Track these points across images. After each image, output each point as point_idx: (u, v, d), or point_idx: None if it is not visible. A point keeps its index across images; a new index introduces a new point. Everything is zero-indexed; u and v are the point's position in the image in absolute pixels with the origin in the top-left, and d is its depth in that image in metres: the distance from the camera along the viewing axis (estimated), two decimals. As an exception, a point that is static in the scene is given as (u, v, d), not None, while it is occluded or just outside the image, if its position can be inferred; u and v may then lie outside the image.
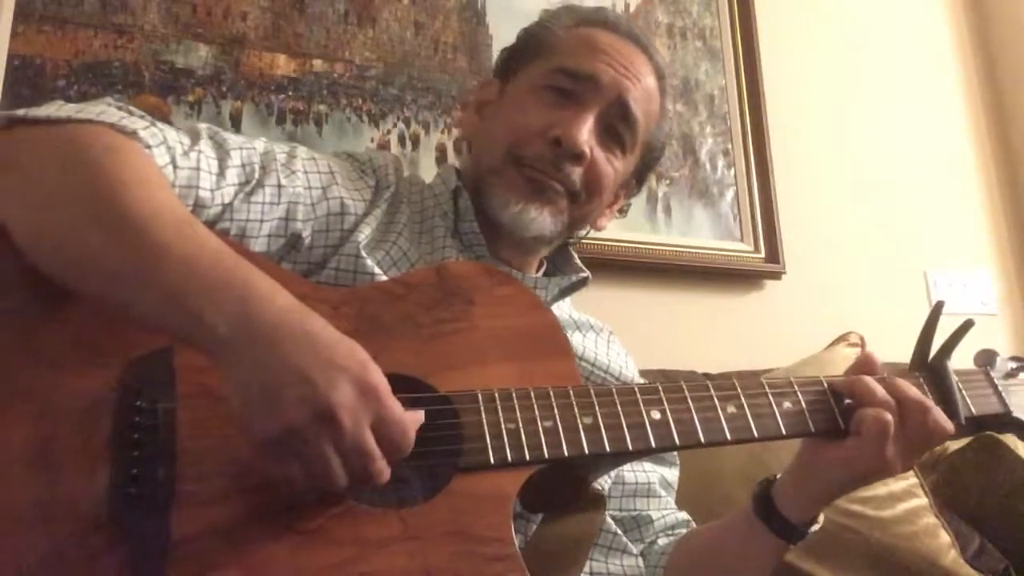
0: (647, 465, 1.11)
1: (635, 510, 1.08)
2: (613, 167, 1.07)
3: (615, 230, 1.96)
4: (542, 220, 1.04)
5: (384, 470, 0.71)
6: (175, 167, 0.86)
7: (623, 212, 1.25)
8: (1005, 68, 2.63)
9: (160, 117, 1.64)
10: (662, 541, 1.07)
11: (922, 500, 1.61)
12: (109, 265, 0.72)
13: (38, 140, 0.78)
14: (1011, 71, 2.61)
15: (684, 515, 1.11)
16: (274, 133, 1.71)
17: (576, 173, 1.04)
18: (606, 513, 0.99)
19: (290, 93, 1.75)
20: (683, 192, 2.09)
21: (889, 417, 0.87)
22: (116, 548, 0.68)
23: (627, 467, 1.09)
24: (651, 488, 1.10)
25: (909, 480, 1.62)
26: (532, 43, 1.11)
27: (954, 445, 1.79)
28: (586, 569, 0.97)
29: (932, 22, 2.62)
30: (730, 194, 2.14)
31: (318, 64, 1.79)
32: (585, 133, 1.02)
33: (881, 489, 1.58)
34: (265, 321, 0.69)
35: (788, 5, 2.37)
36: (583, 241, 1.87)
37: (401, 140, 1.81)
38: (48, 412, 0.72)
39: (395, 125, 1.81)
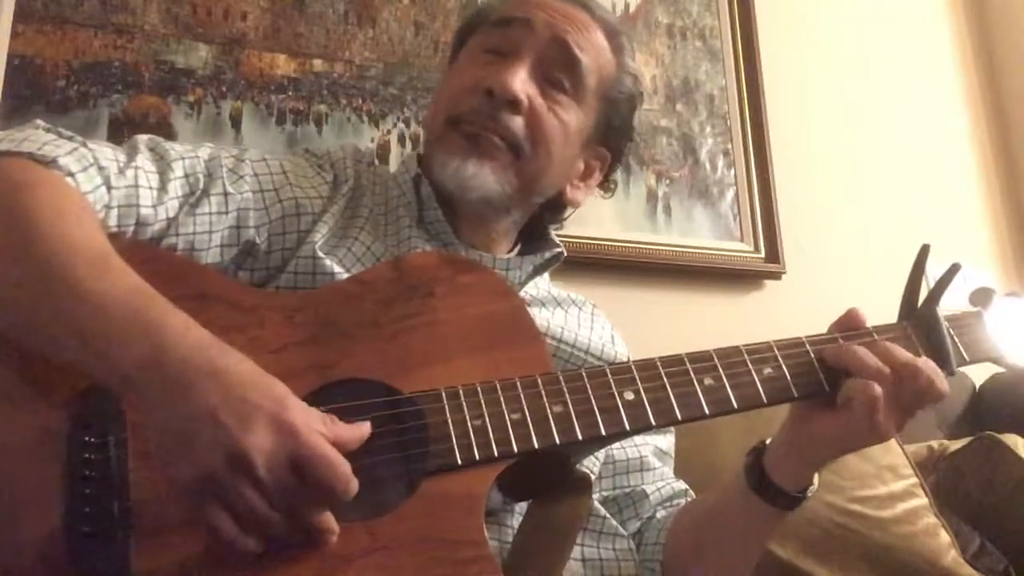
0: (636, 439, 1.07)
1: (628, 486, 1.06)
2: (559, 117, 1.01)
3: (615, 230, 1.97)
4: (483, 176, 0.99)
5: (314, 505, 0.68)
6: (110, 188, 0.84)
7: (609, 190, 1.19)
8: (1005, 68, 2.62)
9: (160, 117, 1.65)
10: (661, 514, 1.04)
11: (922, 500, 1.60)
12: (23, 307, 0.71)
13: None
14: (1011, 71, 2.61)
15: (682, 485, 1.09)
16: (274, 133, 1.71)
17: (515, 123, 0.99)
18: (593, 498, 0.96)
19: (290, 93, 1.75)
20: (683, 192, 2.09)
21: (878, 390, 0.83)
22: None
23: (615, 444, 1.06)
24: (644, 462, 1.07)
25: (909, 480, 1.62)
26: (474, 19, 1.10)
27: (954, 445, 1.79)
28: (578, 555, 0.96)
29: (932, 23, 2.62)
30: (730, 194, 2.14)
31: (318, 64, 1.79)
32: (517, 80, 0.98)
33: (881, 489, 1.58)
34: (175, 362, 0.67)
35: (788, 5, 2.37)
36: (582, 241, 1.87)
37: (401, 140, 1.81)
38: (1, 451, 0.70)
39: (395, 125, 1.81)
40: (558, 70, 1.02)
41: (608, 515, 1.02)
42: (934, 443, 1.82)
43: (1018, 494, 1.67)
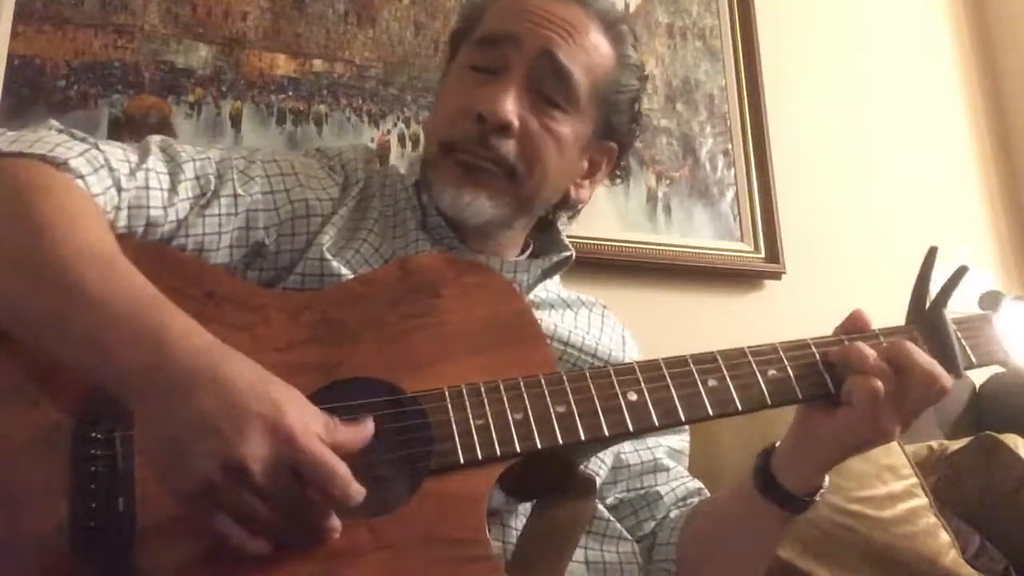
0: (649, 441, 1.07)
1: (643, 488, 1.06)
2: (552, 133, 0.99)
3: (615, 230, 1.97)
4: (479, 204, 0.98)
5: (316, 509, 0.68)
6: (120, 190, 0.84)
7: (619, 179, 1.17)
8: (1006, 69, 2.62)
9: (160, 117, 1.65)
10: (674, 514, 1.04)
11: (922, 500, 1.60)
12: (30, 309, 0.72)
13: None
14: (1011, 71, 2.61)
15: (696, 483, 1.08)
16: (274, 133, 1.71)
17: (507, 147, 0.97)
18: (596, 500, 0.96)
19: (290, 93, 1.74)
20: (683, 192, 2.09)
21: (880, 384, 0.83)
22: None
23: (627, 447, 1.06)
24: (657, 463, 1.07)
25: (909, 480, 1.62)
26: (465, 22, 1.07)
27: (954, 445, 1.79)
28: (581, 557, 0.96)
29: (932, 22, 2.62)
30: (730, 194, 2.14)
31: (318, 64, 1.79)
32: (507, 103, 0.95)
33: (881, 489, 1.58)
34: (177, 369, 0.67)
35: (788, 5, 2.37)
36: (582, 241, 1.87)
37: (401, 140, 1.80)
38: (6, 449, 0.70)
39: (395, 125, 1.81)
40: (549, 85, 0.99)
41: (612, 518, 1.02)
42: (934, 443, 1.82)
43: (1018, 494, 1.67)
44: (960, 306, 0.98)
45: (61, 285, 0.71)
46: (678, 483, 1.08)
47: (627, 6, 2.15)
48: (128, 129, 1.59)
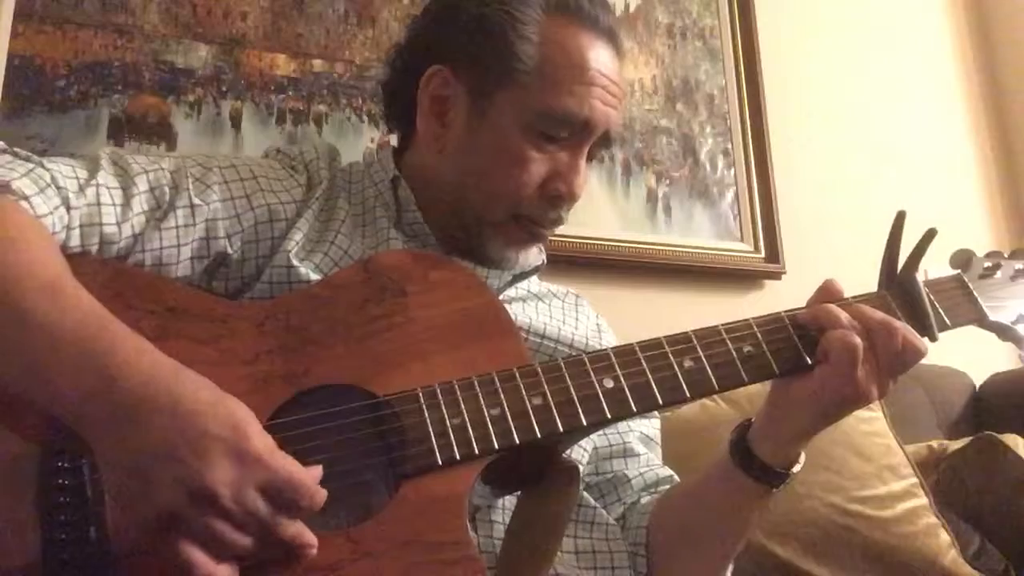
0: (620, 425, 1.06)
1: (611, 472, 1.05)
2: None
3: (615, 230, 1.97)
4: (531, 255, 1.04)
5: (286, 525, 0.67)
6: (69, 208, 0.81)
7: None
8: (1006, 68, 2.62)
9: (160, 117, 1.64)
10: (645, 499, 1.03)
11: (922, 500, 1.60)
12: None
13: None
14: (1011, 71, 2.61)
15: (667, 471, 1.07)
16: (274, 133, 1.71)
17: (567, 211, 1.02)
18: (579, 487, 0.94)
19: (290, 93, 1.75)
20: (683, 192, 2.09)
21: (856, 339, 0.83)
22: None
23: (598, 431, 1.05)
24: (627, 448, 1.06)
25: (909, 480, 1.62)
26: (499, 46, 0.97)
27: (954, 445, 1.79)
28: (571, 547, 0.95)
29: (932, 23, 2.62)
30: (730, 194, 2.14)
31: (318, 64, 1.79)
32: (583, 179, 0.99)
33: (881, 489, 1.58)
34: (126, 394, 0.65)
35: (788, 5, 2.37)
36: (582, 241, 1.87)
37: (401, 140, 1.80)
38: None
39: (395, 125, 1.81)
40: (598, 148, 1.03)
41: (598, 505, 1.01)
42: (934, 443, 1.82)
43: (1018, 494, 1.67)
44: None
45: (2, 313, 0.68)
46: (648, 469, 1.06)
47: (627, 6, 2.15)
48: (128, 129, 1.60)
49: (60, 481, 0.68)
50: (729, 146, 2.17)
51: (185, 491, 0.63)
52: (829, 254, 2.18)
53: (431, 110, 1.00)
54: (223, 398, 0.67)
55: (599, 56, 0.98)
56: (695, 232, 2.07)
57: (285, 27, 1.78)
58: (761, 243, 2.11)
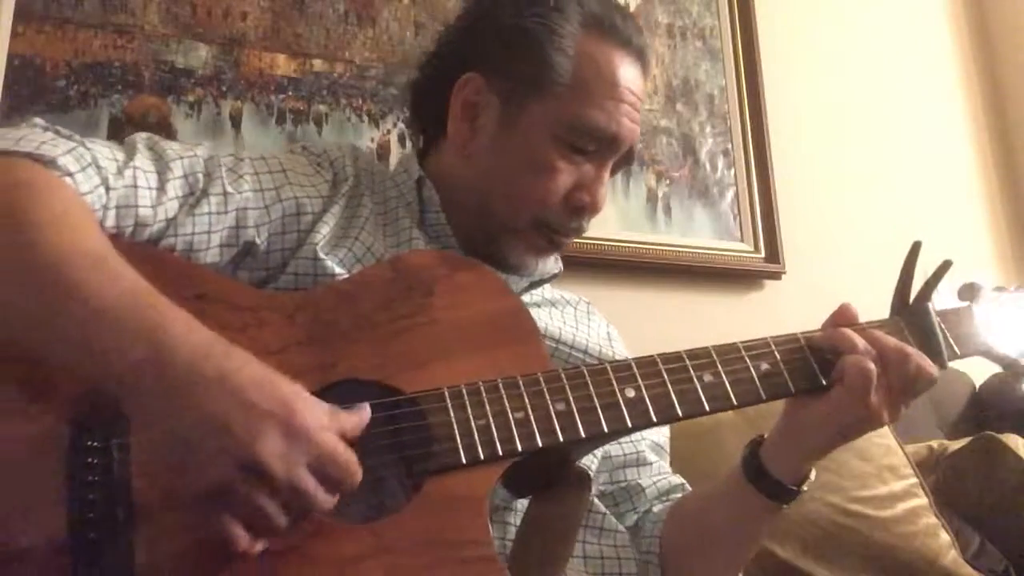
0: (633, 434, 1.07)
1: (625, 481, 1.06)
2: None
3: (615, 230, 1.97)
4: (548, 263, 1.07)
5: (326, 502, 0.68)
6: (108, 188, 0.82)
7: None
8: (1006, 69, 2.62)
9: (160, 117, 1.64)
10: (657, 508, 1.05)
11: (922, 500, 1.60)
12: (19, 311, 0.70)
13: None
14: (1011, 72, 2.61)
15: (678, 479, 1.09)
16: (274, 133, 1.71)
17: (587, 220, 1.05)
18: (591, 493, 0.97)
19: (290, 93, 1.75)
20: (683, 192, 2.09)
21: (871, 365, 0.85)
22: None
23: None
24: (640, 457, 1.08)
25: (909, 480, 1.62)
26: (536, 57, 0.99)
27: (954, 445, 1.79)
28: (579, 552, 0.96)
29: (932, 23, 2.62)
30: (730, 194, 2.14)
31: (318, 64, 1.79)
32: (606, 191, 1.03)
33: (881, 489, 1.58)
34: (177, 366, 0.66)
35: (788, 5, 2.37)
36: (582, 241, 1.87)
37: (401, 140, 1.80)
38: (3, 457, 0.69)
39: (395, 125, 1.81)
40: (620, 163, 1.06)
41: (607, 512, 1.03)
42: (934, 443, 1.82)
43: (1018, 494, 1.67)
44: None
45: (51, 283, 0.69)
46: (660, 478, 1.08)
47: (627, 6, 2.15)
48: (128, 129, 1.59)
49: (89, 460, 0.68)
50: (729, 146, 2.17)
51: (234, 463, 0.64)
52: (829, 254, 2.18)
53: (463, 115, 1.02)
54: (270, 374, 0.69)
55: (629, 75, 1.02)
56: (695, 232, 2.07)
57: (285, 27, 1.78)
58: (761, 243, 2.11)
